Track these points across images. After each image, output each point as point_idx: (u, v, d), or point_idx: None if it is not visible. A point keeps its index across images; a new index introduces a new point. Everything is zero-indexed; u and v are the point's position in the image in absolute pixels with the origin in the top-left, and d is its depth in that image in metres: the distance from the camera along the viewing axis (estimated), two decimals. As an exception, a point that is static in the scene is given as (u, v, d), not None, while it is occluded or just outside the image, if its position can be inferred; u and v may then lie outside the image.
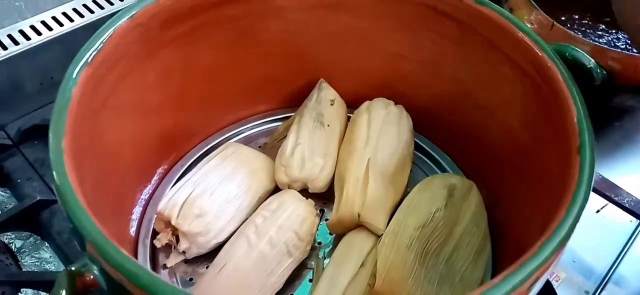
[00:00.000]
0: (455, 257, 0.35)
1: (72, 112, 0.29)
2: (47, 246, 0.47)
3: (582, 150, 0.26)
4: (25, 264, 0.45)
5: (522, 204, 0.35)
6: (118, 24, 0.33)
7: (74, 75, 0.30)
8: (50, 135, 0.27)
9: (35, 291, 0.43)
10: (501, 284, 0.21)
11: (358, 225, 0.38)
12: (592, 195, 0.48)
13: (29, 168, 0.50)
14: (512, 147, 0.37)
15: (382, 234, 0.37)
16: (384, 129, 0.42)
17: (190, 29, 0.38)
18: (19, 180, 0.50)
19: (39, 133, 0.53)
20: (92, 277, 0.29)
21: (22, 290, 0.43)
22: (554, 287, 0.46)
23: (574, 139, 0.27)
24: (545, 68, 0.31)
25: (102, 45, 0.32)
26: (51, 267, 0.45)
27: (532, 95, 0.33)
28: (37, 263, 0.45)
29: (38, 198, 0.47)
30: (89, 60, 0.31)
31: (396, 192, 0.40)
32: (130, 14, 0.33)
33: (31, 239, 0.47)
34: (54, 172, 0.25)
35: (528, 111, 0.34)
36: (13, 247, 0.46)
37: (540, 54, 0.31)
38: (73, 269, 0.29)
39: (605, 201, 0.49)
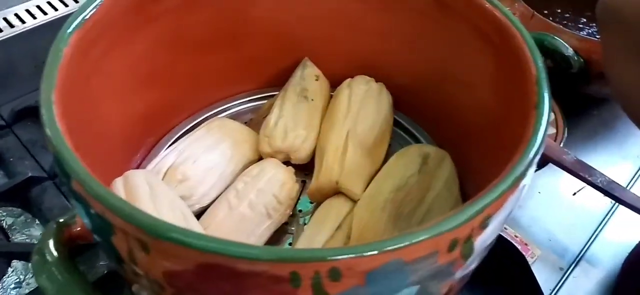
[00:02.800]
0: (427, 219, 0.36)
1: (63, 70, 0.31)
2: (38, 223, 0.48)
3: (538, 106, 0.28)
4: (16, 240, 0.46)
5: (492, 171, 0.37)
6: (109, -9, 0.34)
7: (66, 36, 0.31)
8: (41, 87, 0.29)
9: (25, 264, 0.44)
10: (453, 216, 0.23)
11: (337, 192, 0.40)
12: (568, 177, 0.50)
13: (21, 148, 0.52)
14: (485, 118, 0.39)
15: (358, 199, 0.38)
16: (364, 103, 0.44)
17: (180, 3, 0.40)
18: (11, 159, 0.51)
19: (32, 114, 0.54)
20: (79, 228, 0.31)
21: (12, 265, 0.44)
22: (530, 264, 0.47)
23: (533, 96, 0.29)
24: (510, 36, 0.33)
25: (94, 10, 0.33)
26: (42, 244, 0.46)
27: (500, 64, 0.35)
28: (27, 240, 0.47)
29: (29, 174, 0.48)
30: (81, 23, 0.33)
31: (374, 163, 0.42)
32: (121, -16, 0.35)
33: (22, 217, 0.48)
34: (43, 118, 0.27)
35: (497, 81, 0.36)
36: (4, 224, 0.47)
37: (505, 22, 0.33)
38: (61, 220, 0.31)
39: (581, 184, 0.51)
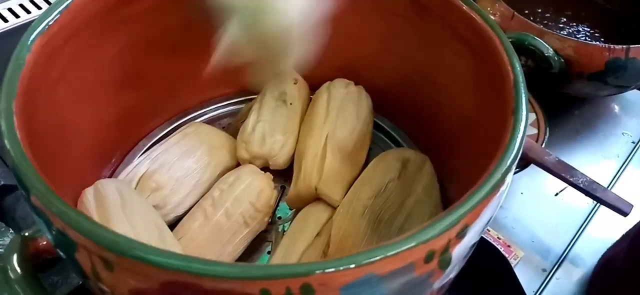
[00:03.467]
0: (408, 225, 0.36)
1: (25, 78, 0.29)
2: (11, 233, 0.46)
3: (516, 112, 0.27)
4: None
5: (472, 175, 0.36)
6: (75, -5, 0.33)
7: (29, 42, 0.30)
8: (2, 96, 0.27)
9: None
10: (429, 227, 0.22)
11: (316, 198, 0.39)
12: (551, 178, 0.50)
13: (-7, 155, 0.50)
14: (464, 121, 0.38)
15: (338, 206, 0.38)
16: (343, 107, 0.43)
17: (150, 7, 0.39)
18: (-18, 167, 0.50)
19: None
20: (45, 242, 0.29)
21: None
22: (513, 265, 0.47)
23: (510, 102, 0.28)
24: (487, 39, 0.32)
25: (59, 15, 0.32)
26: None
27: (479, 67, 0.35)
28: (1, 250, 0.45)
29: (2, 182, 0.47)
30: (45, 29, 0.31)
31: (354, 168, 0.41)
32: (88, -13, 0.34)
33: (-5, 226, 0.47)
34: (2, 129, 0.26)
35: (476, 84, 0.36)
36: (-24, 234, 0.46)
37: (483, 25, 0.33)
38: (26, 234, 0.29)
39: (563, 185, 0.51)
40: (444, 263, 0.24)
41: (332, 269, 0.21)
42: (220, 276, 0.20)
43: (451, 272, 0.27)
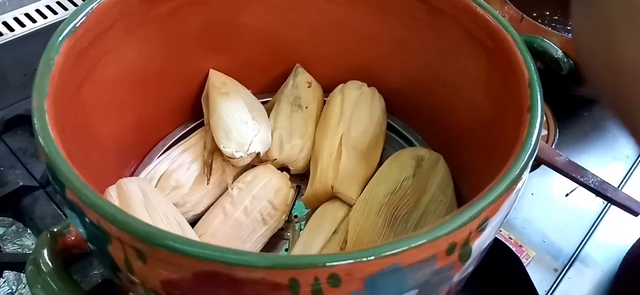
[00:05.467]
0: (423, 222, 0.36)
1: (54, 79, 0.30)
2: (29, 233, 0.47)
3: (532, 109, 0.28)
4: (8, 250, 0.45)
5: (486, 174, 0.37)
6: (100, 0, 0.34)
7: (57, 44, 0.31)
8: (33, 95, 0.28)
9: (17, 274, 0.44)
10: (452, 220, 0.23)
11: (332, 197, 0.40)
12: (561, 179, 0.50)
13: (11, 156, 0.51)
14: (477, 121, 0.39)
15: (354, 204, 0.38)
16: (357, 107, 0.44)
17: (171, 9, 0.40)
18: (1, 168, 0.50)
19: (22, 123, 0.54)
20: (73, 238, 0.30)
21: (3, 275, 0.43)
22: (525, 265, 0.48)
23: (526, 100, 0.29)
24: (501, 39, 0.33)
25: (84, 18, 0.33)
26: (34, 253, 0.45)
27: (493, 68, 0.35)
28: (19, 250, 0.46)
29: (20, 184, 0.48)
30: (72, 31, 0.32)
31: (369, 167, 0.42)
32: (112, -9, 0.35)
33: (13, 227, 0.48)
34: (36, 128, 0.27)
35: (490, 84, 0.36)
36: (-4, 235, 0.46)
37: (497, 26, 0.33)
38: (55, 229, 0.30)
39: (574, 185, 0.52)
40: (464, 256, 0.25)
41: (359, 259, 0.22)
42: (251, 266, 0.21)
43: (470, 266, 0.27)
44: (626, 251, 0.47)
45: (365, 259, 0.22)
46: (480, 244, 0.25)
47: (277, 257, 0.22)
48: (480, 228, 0.24)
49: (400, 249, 0.22)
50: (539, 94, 0.29)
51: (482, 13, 0.35)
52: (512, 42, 0.32)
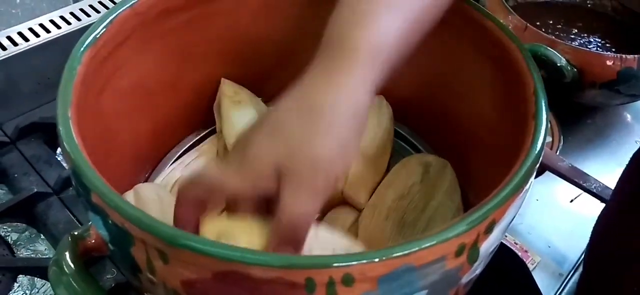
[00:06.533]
0: (430, 227, 0.37)
1: (77, 88, 0.31)
2: (42, 238, 0.48)
3: (537, 116, 0.29)
4: (21, 256, 0.46)
5: (492, 180, 0.38)
6: (119, 11, 0.36)
7: (79, 54, 0.32)
8: (58, 104, 0.29)
9: (31, 279, 0.45)
10: (461, 222, 0.24)
11: (341, 201, 0.41)
12: (565, 185, 0.51)
13: (25, 164, 0.52)
14: (484, 128, 0.40)
15: (363, 208, 0.39)
16: (366, 115, 0.45)
17: (187, 21, 0.41)
18: (15, 175, 0.51)
19: (35, 130, 0.55)
20: (93, 241, 0.31)
21: (17, 280, 0.44)
22: (531, 270, 0.48)
23: (531, 107, 0.30)
24: (507, 49, 0.34)
25: (104, 29, 0.34)
26: (47, 260, 0.46)
27: (499, 76, 0.36)
28: (33, 255, 0.47)
29: (35, 190, 0.49)
30: (93, 41, 0.34)
31: (377, 173, 0.43)
32: (130, 4, 0.36)
33: (27, 232, 0.49)
34: (61, 135, 0.28)
35: (495, 92, 0.38)
36: (9, 240, 0.47)
37: (503, 36, 0.35)
38: (76, 233, 0.31)
39: (578, 191, 0.52)
40: (473, 257, 0.26)
41: (372, 260, 0.23)
42: (269, 265, 0.22)
43: (477, 268, 0.28)
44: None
45: (377, 260, 0.23)
46: (488, 246, 0.26)
47: (293, 257, 0.23)
48: (488, 230, 0.25)
49: (411, 250, 0.23)
50: (543, 101, 0.30)
51: (489, 24, 0.36)
52: (518, 52, 0.33)
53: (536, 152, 0.27)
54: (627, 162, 0.41)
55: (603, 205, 0.51)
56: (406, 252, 0.23)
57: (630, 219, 0.36)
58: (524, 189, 0.27)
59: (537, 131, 0.28)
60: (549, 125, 0.57)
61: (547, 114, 0.29)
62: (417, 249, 0.23)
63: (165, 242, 0.23)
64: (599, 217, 0.43)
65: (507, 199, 0.25)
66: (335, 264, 0.23)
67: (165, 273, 0.25)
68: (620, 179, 0.40)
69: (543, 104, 0.30)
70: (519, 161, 0.27)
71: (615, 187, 0.41)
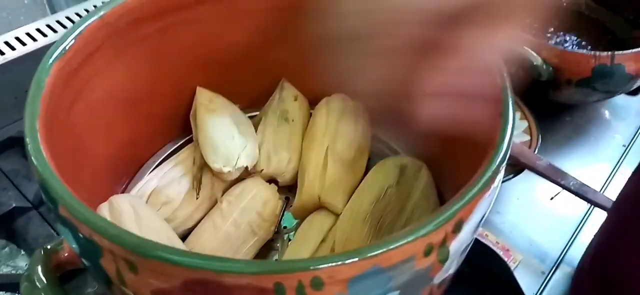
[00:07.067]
0: (407, 228, 0.37)
1: (45, 100, 0.31)
2: (23, 254, 0.48)
3: (503, 113, 0.29)
4: (1, 272, 0.46)
5: (464, 178, 0.38)
6: (88, 22, 0.35)
7: (47, 66, 0.32)
8: (26, 117, 0.29)
9: (12, 294, 0.44)
10: (426, 222, 0.24)
11: (319, 207, 0.41)
12: (545, 183, 0.51)
13: (3, 178, 0.52)
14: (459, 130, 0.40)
15: (340, 213, 0.39)
16: (342, 120, 0.45)
17: (159, 29, 0.41)
18: (-6, 190, 0.51)
19: (14, 145, 0.54)
20: (66, 254, 0.31)
21: (-3, 293, 0.44)
22: (512, 269, 0.49)
23: (498, 105, 0.30)
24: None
25: (74, 40, 0.34)
26: (27, 274, 0.46)
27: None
28: (13, 271, 0.47)
29: (13, 205, 0.48)
30: (62, 53, 0.33)
31: (355, 177, 0.43)
32: (99, 14, 0.36)
33: (7, 248, 0.48)
34: (28, 147, 0.28)
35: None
36: (-11, 257, 0.47)
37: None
38: (49, 247, 0.31)
39: (558, 189, 0.53)
40: (443, 257, 0.26)
41: (340, 262, 0.23)
42: (238, 272, 0.22)
43: (450, 268, 0.28)
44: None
45: (346, 262, 0.23)
46: (458, 245, 0.27)
47: (262, 263, 0.23)
48: (456, 229, 0.25)
49: (379, 251, 0.23)
50: (510, 99, 0.30)
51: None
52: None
53: (503, 150, 0.28)
54: (606, 158, 0.41)
55: (583, 202, 0.52)
56: (374, 253, 0.23)
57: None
58: (492, 187, 0.27)
59: (503, 130, 0.28)
60: (527, 124, 0.58)
61: (514, 112, 0.30)
62: (384, 249, 0.23)
63: (133, 252, 0.23)
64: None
65: (473, 197, 0.25)
66: (304, 268, 0.23)
67: (135, 284, 0.25)
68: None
69: (510, 103, 0.30)
70: (486, 159, 0.27)
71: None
